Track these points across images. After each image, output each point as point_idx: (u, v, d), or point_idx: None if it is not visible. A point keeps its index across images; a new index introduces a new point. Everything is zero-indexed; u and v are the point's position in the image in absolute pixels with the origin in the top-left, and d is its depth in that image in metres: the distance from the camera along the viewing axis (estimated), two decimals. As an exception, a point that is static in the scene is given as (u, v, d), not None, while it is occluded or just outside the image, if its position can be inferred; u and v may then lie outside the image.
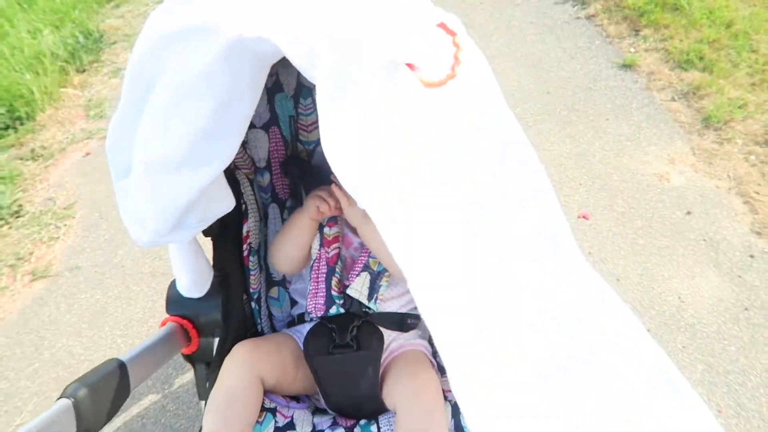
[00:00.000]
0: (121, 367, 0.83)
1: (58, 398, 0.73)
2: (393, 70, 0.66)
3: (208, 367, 1.05)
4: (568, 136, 2.75)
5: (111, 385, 0.80)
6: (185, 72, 0.62)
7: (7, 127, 3.24)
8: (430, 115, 0.62)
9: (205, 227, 0.82)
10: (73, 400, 0.73)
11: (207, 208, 0.79)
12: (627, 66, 3.10)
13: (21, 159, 3.04)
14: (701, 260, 2.12)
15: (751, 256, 2.11)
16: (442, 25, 0.68)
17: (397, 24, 0.64)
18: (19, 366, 2.07)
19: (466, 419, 0.48)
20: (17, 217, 2.69)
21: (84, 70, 3.73)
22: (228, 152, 0.70)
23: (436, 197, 0.62)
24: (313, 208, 1.10)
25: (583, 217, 2.34)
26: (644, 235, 2.24)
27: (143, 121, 0.70)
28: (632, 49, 3.20)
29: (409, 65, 0.67)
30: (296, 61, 0.61)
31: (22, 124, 3.28)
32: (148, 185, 0.73)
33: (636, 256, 2.17)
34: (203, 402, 1.02)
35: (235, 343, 1.03)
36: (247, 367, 1.01)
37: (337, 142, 0.62)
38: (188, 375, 1.98)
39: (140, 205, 0.76)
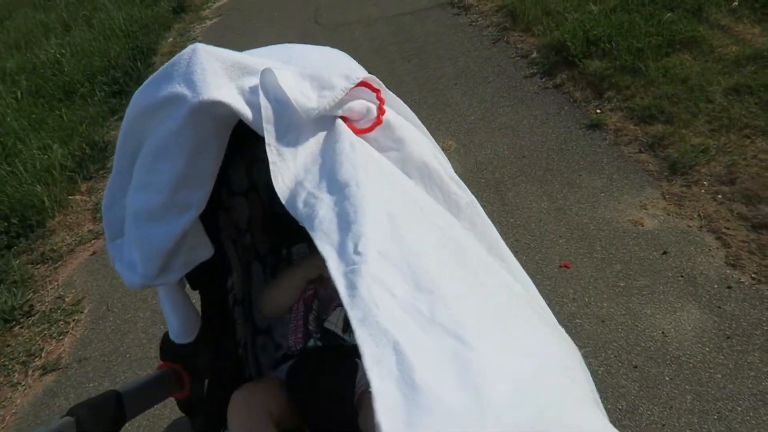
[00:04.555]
0: (119, 397, 0.93)
1: (63, 416, 0.83)
2: (327, 120, 0.82)
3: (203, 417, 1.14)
4: (545, 193, 2.90)
5: (109, 412, 0.89)
6: (161, 133, 0.78)
7: (18, 236, 3.43)
8: (359, 155, 0.76)
9: (187, 271, 0.95)
10: (76, 418, 0.82)
11: (188, 253, 0.92)
12: (595, 126, 3.31)
13: (32, 263, 3.21)
14: (681, 296, 2.20)
15: (729, 287, 2.19)
16: (366, 84, 0.84)
17: (329, 86, 0.80)
18: (30, 457, 2.13)
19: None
20: (28, 316, 2.81)
21: (91, 177, 3.98)
22: (201, 198, 0.85)
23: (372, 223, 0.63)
24: (315, 273, 1.25)
25: (565, 266, 2.44)
26: (624, 278, 2.33)
27: (133, 181, 0.86)
28: (598, 111, 3.42)
29: (342, 117, 0.83)
30: (246, 118, 0.77)
31: (32, 231, 3.47)
32: (137, 234, 0.87)
33: (618, 297, 2.25)
34: None
35: (228, 388, 1.13)
36: (255, 406, 1.10)
37: (285, 182, 0.76)
38: None
39: (132, 253, 0.90)
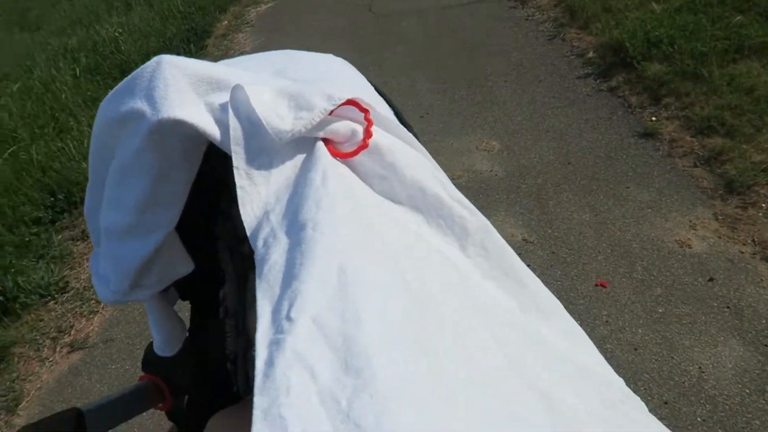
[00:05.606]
0: (79, 416, 0.90)
1: None
2: (307, 143, 0.74)
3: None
4: (587, 204, 2.75)
5: None
6: (125, 151, 0.73)
7: (62, 212, 3.52)
8: (329, 189, 0.68)
9: (163, 287, 0.91)
10: None
11: (163, 270, 0.88)
12: (648, 134, 3.12)
13: (72, 240, 3.29)
14: (724, 329, 2.04)
15: (779, 324, 2.02)
16: (354, 103, 0.76)
17: (308, 107, 0.72)
18: (48, 435, 2.17)
19: None
20: (63, 293, 2.88)
21: (137, 157, 4.05)
22: (171, 218, 0.79)
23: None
24: None
25: (601, 285, 2.31)
26: (664, 303, 2.18)
27: (104, 194, 0.82)
28: (653, 118, 3.22)
29: (323, 139, 0.76)
30: (214, 138, 0.71)
31: (76, 208, 3.56)
32: (108, 249, 0.83)
33: (655, 324, 2.11)
34: None
35: (209, 405, 1.09)
36: None
37: (254, 210, 0.70)
38: None
39: (106, 267, 0.86)
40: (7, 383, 2.44)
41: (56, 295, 2.87)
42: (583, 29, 4.38)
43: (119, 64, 5.57)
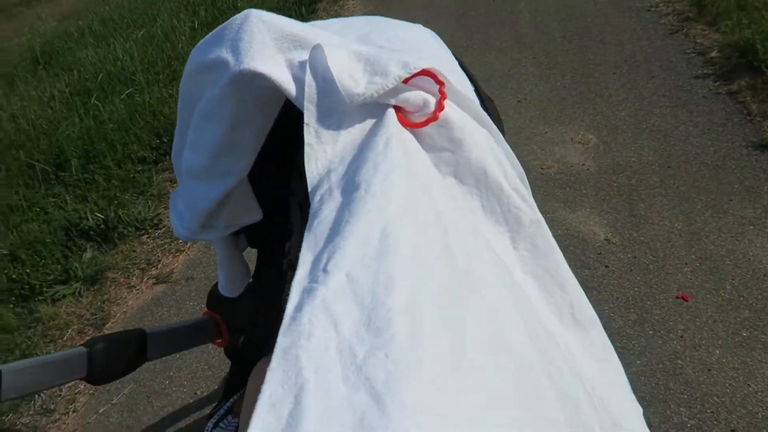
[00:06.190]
0: (141, 337, 0.98)
1: (80, 345, 0.89)
2: (378, 108, 0.75)
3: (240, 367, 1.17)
4: (682, 212, 2.59)
5: (128, 350, 0.94)
6: (207, 97, 0.77)
7: (165, 154, 3.76)
8: (389, 155, 0.68)
9: (231, 231, 0.96)
10: (88, 350, 0.88)
11: (232, 215, 0.93)
12: (765, 146, 2.86)
13: (170, 181, 3.51)
14: (816, 364, 1.87)
15: None
16: (431, 74, 0.75)
17: (382, 73, 0.73)
18: (127, 355, 2.37)
19: None
20: (156, 228, 3.10)
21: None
22: (240, 168, 0.83)
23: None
24: None
25: (682, 297, 2.17)
26: (750, 327, 2.03)
27: (188, 137, 0.87)
28: (774, 129, 2.95)
29: (395, 107, 0.76)
30: (289, 94, 0.73)
31: (178, 152, 3.79)
32: (184, 189, 0.89)
33: (736, 348, 1.97)
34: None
35: (265, 348, 1.14)
36: None
37: (318, 167, 0.72)
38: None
39: (181, 205, 0.92)
40: (99, 303, 2.68)
41: (150, 230, 3.09)
42: (710, 26, 4.05)
43: (234, 20, 5.79)
